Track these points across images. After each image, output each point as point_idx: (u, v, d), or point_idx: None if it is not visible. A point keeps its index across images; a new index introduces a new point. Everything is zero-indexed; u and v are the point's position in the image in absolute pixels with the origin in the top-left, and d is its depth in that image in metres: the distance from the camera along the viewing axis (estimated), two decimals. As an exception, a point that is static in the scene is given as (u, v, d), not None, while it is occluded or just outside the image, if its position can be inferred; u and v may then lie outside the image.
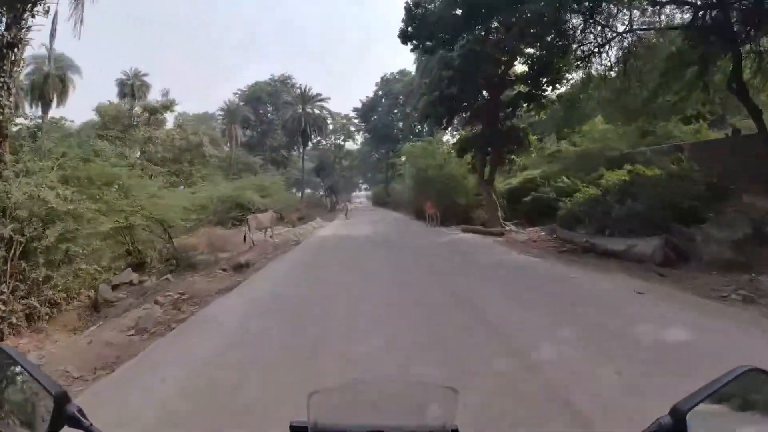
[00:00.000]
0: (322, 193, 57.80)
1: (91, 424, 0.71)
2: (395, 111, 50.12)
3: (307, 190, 62.47)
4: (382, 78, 50.63)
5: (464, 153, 17.05)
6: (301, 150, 55.02)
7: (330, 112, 50.96)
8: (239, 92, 50.27)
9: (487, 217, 15.72)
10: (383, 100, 50.14)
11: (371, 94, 52.13)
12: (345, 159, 59.49)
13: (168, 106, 26.60)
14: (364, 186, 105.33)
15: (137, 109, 25.86)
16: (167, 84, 55.16)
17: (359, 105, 52.59)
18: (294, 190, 63.03)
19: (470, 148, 16.72)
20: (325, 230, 21.22)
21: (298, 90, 49.36)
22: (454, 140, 19.35)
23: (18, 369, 0.75)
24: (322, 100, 49.62)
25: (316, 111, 48.49)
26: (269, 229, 15.37)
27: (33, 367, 0.74)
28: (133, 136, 24.68)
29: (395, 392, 1.05)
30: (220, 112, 47.24)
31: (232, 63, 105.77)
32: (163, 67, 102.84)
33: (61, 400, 0.70)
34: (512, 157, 16.45)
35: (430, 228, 18.68)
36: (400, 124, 49.93)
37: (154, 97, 33.12)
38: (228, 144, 49.82)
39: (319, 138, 52.41)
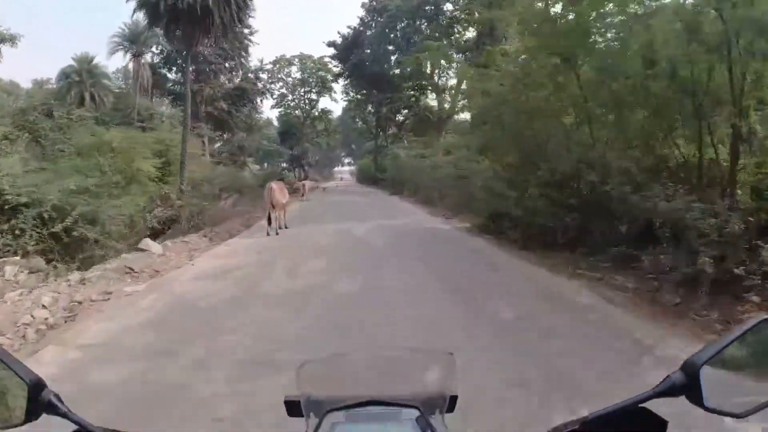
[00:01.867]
0: (284, 165, 40.92)
1: (69, 410, 0.67)
2: (389, 46, 32.34)
3: (283, 165, 45.38)
4: (370, -4, 32.93)
5: None
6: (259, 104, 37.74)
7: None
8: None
9: None
10: (372, 28, 32.41)
11: (355, 24, 34.40)
12: (320, 120, 42.29)
13: None
14: (347, 160, 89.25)
15: None
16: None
17: (337, 40, 34.78)
18: (265, 165, 45.75)
19: None
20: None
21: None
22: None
23: None
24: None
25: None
26: None
27: (5, 355, 0.69)
28: None
29: (390, 360, 0.99)
30: (116, 40, 29.23)
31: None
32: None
33: (37, 387, 0.66)
34: None
35: None
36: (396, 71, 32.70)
37: None
38: (145, 89, 32.80)
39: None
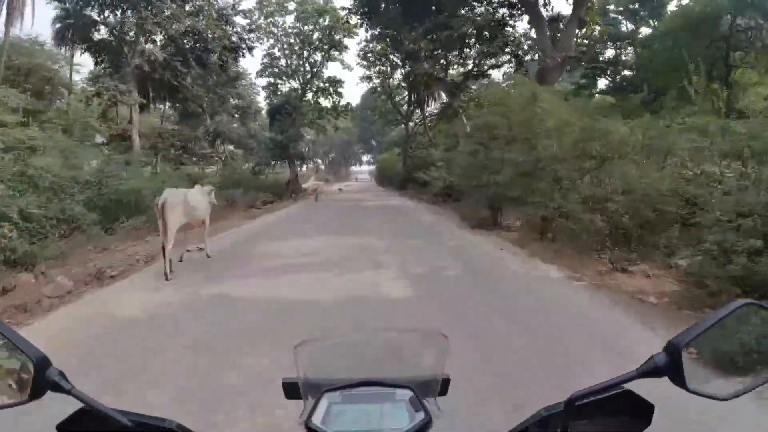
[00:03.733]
0: (258, 162, 27.90)
1: (73, 387, 0.66)
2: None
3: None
4: None
5: None
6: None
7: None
8: None
9: None
10: None
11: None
12: (326, 93, 28.74)
13: None
14: (366, 158, 76.95)
15: None
16: None
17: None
18: (273, 164, 31.86)
19: None
20: None
21: None
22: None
23: None
24: None
25: None
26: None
27: (10, 332, 0.68)
28: None
29: (385, 342, 1.00)
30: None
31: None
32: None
33: (42, 365, 0.66)
34: None
35: None
36: None
37: None
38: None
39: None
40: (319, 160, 72.72)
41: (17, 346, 0.66)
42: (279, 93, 28.82)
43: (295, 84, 28.90)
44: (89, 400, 0.65)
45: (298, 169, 68.35)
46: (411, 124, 29.43)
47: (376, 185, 41.06)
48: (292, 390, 0.79)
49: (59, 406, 0.69)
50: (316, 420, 0.71)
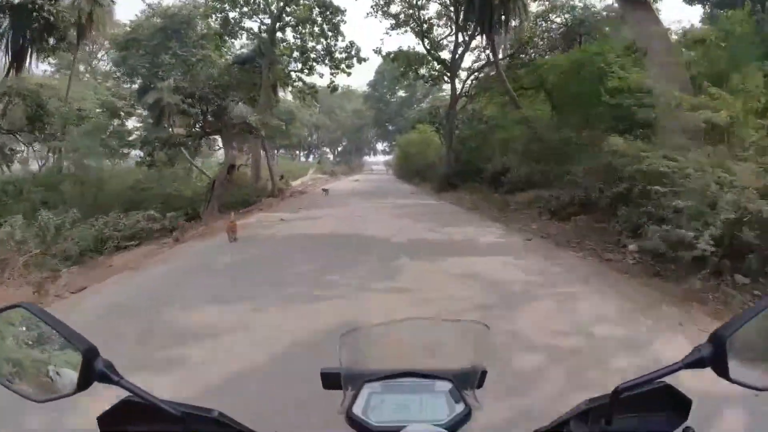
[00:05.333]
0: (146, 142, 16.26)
1: (121, 378, 0.66)
2: None
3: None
4: None
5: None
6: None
7: None
8: None
9: None
10: None
11: None
12: (314, 27, 16.96)
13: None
14: (381, 146, 67.17)
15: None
16: None
17: None
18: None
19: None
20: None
21: None
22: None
23: (42, 326, 0.68)
24: None
25: None
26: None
27: (58, 323, 0.67)
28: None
29: (426, 332, 0.99)
30: None
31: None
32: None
33: (90, 356, 0.65)
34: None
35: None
36: None
37: None
38: None
39: None
40: (327, 149, 61.58)
41: (65, 337, 0.65)
42: (237, 32, 17.21)
43: (267, 20, 17.21)
44: (138, 390, 0.63)
45: (304, 159, 54.88)
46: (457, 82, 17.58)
47: (396, 180, 29.47)
48: (330, 380, 0.79)
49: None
50: (357, 410, 0.70)
